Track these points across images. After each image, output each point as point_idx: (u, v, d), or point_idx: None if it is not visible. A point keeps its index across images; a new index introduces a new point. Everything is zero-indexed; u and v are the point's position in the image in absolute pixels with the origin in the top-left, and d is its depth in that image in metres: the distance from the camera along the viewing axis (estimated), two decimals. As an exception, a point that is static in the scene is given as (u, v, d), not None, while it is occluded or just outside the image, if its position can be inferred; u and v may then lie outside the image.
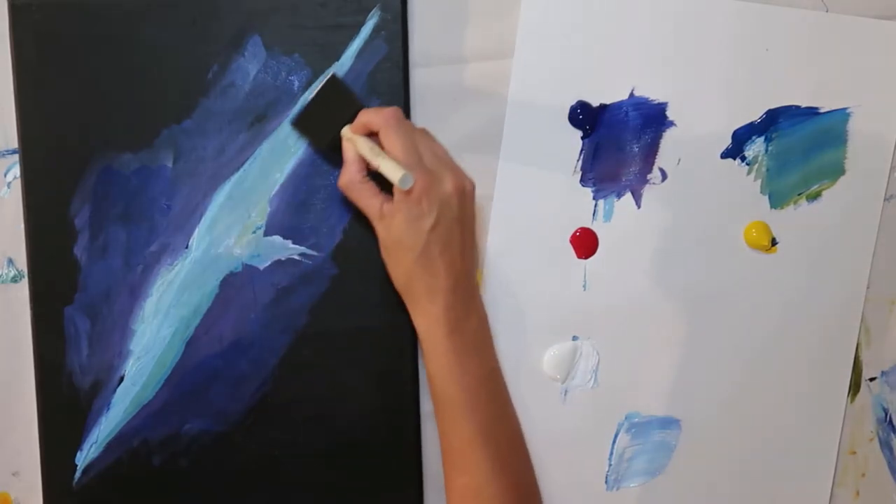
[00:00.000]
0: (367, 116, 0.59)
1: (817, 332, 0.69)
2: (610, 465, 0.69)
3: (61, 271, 0.66)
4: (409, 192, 0.55)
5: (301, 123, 0.64)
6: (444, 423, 0.58)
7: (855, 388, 0.70)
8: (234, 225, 0.66)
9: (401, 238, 0.56)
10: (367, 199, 0.58)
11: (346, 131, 0.61)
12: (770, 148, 0.67)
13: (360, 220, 0.66)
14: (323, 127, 0.62)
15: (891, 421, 0.71)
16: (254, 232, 0.66)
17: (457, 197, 0.57)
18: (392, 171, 0.56)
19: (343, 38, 0.65)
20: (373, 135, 0.59)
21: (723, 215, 0.68)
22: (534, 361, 0.68)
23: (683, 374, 0.69)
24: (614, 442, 0.69)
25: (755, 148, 0.67)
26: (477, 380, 0.58)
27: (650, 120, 0.67)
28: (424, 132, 0.60)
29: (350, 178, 0.58)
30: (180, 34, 0.65)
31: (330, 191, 0.66)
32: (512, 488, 0.57)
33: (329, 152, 0.63)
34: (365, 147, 0.58)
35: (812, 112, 0.67)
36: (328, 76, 0.63)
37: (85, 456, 0.67)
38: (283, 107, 0.66)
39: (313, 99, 0.63)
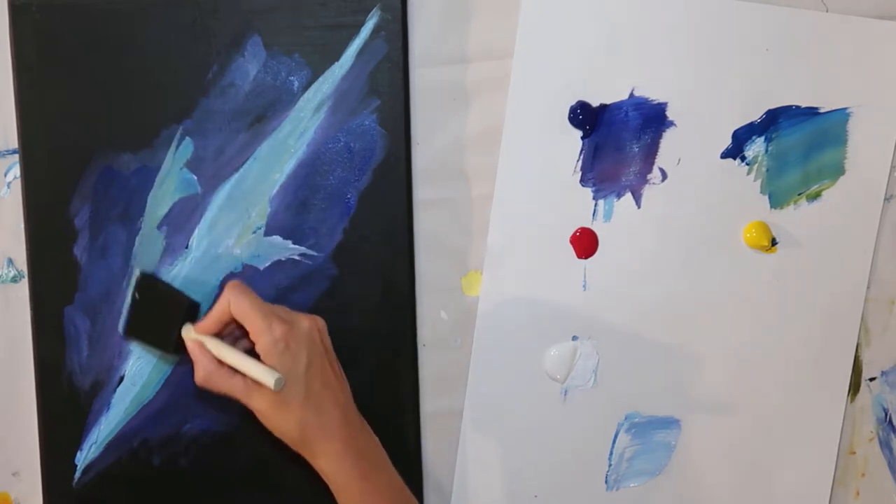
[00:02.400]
0: (217, 310, 0.58)
1: (817, 332, 0.69)
2: (610, 465, 0.69)
3: (61, 271, 0.66)
4: (275, 345, 0.56)
5: (133, 331, 0.62)
6: None
7: (855, 388, 0.70)
8: (234, 225, 0.66)
9: (281, 393, 0.56)
10: (228, 381, 0.57)
11: (190, 333, 0.59)
12: (770, 148, 0.67)
13: (360, 221, 0.66)
14: (160, 331, 0.60)
15: (891, 421, 0.71)
16: (254, 232, 0.66)
17: (316, 332, 0.58)
18: (262, 375, 0.55)
19: (343, 38, 0.65)
20: (226, 327, 0.59)
21: (723, 215, 0.68)
22: (534, 361, 0.68)
23: (683, 374, 0.69)
24: (614, 442, 0.69)
25: (755, 148, 0.67)
26: (390, 499, 0.59)
27: (650, 120, 0.67)
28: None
29: (207, 371, 0.57)
30: (180, 34, 0.65)
31: (330, 191, 0.66)
32: None
33: (173, 354, 0.61)
34: (223, 352, 0.58)
35: (812, 112, 0.67)
36: (137, 275, 0.61)
37: (85, 456, 0.67)
38: (283, 107, 0.66)
39: (135, 302, 0.61)
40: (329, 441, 0.57)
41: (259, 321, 0.56)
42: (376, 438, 0.60)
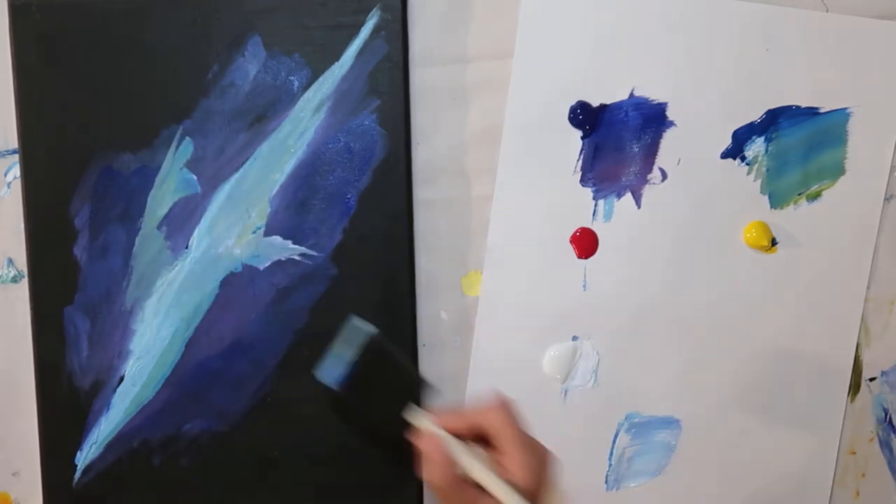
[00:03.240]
0: (476, 419, 0.51)
1: (817, 332, 0.69)
2: (610, 465, 0.69)
3: (61, 271, 0.66)
4: (539, 483, 0.49)
5: (347, 405, 0.53)
6: None
7: (855, 388, 0.70)
8: (234, 225, 0.66)
9: None
10: (474, 498, 0.49)
11: (424, 422, 0.51)
12: (770, 148, 0.67)
13: (360, 221, 0.66)
14: (380, 407, 0.52)
15: (891, 421, 0.71)
16: (254, 232, 0.66)
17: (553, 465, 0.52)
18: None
19: (343, 38, 0.65)
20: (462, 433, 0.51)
21: (723, 215, 0.68)
22: (534, 361, 0.68)
23: (683, 374, 0.69)
24: (614, 442, 0.69)
25: (755, 148, 0.67)
26: None
27: (650, 120, 0.67)
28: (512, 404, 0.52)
29: (444, 479, 0.49)
30: (180, 34, 0.65)
31: (330, 191, 0.66)
32: None
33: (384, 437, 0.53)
34: (469, 462, 0.50)
35: (812, 112, 0.67)
36: (368, 336, 0.52)
37: (85, 456, 0.67)
38: (283, 107, 0.66)
39: (359, 369, 0.52)
40: None
41: (521, 455, 0.49)
42: None
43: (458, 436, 0.52)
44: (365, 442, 0.59)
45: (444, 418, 0.52)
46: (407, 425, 0.52)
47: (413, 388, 0.53)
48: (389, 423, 0.52)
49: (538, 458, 0.51)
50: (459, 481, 0.50)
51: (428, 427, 0.52)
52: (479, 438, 0.52)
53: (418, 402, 0.53)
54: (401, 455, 0.52)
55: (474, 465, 0.50)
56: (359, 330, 0.54)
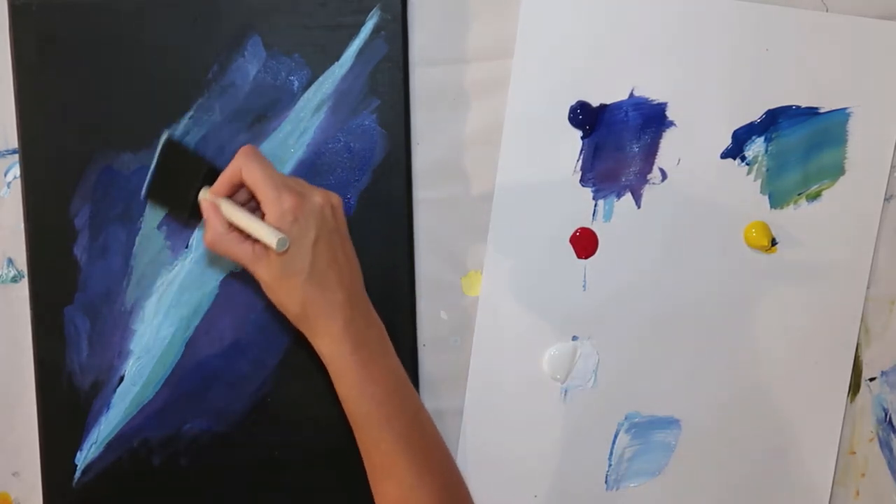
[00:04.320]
0: (228, 172, 0.57)
1: (817, 332, 0.69)
2: (610, 465, 0.69)
3: (61, 271, 0.66)
4: (283, 216, 0.54)
5: (154, 195, 0.61)
6: (364, 438, 0.57)
7: (855, 388, 0.70)
8: (234, 225, 0.66)
9: (286, 265, 0.55)
10: (237, 247, 0.56)
11: (206, 194, 0.58)
12: (770, 148, 0.67)
13: (360, 221, 0.66)
14: (178, 194, 0.59)
15: (891, 421, 0.71)
16: (254, 232, 0.66)
17: (329, 208, 0.56)
18: (266, 235, 0.54)
19: (343, 38, 0.65)
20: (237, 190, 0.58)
21: (723, 215, 0.68)
22: (534, 361, 0.68)
23: (683, 374, 0.69)
24: (614, 442, 0.69)
25: (755, 148, 0.67)
26: (388, 390, 0.57)
27: (650, 120, 0.67)
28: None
29: (215, 233, 0.56)
30: (180, 34, 0.65)
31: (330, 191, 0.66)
32: (441, 489, 0.57)
33: (189, 218, 0.60)
34: (232, 212, 0.56)
35: (812, 112, 0.67)
36: (164, 140, 0.60)
37: (85, 456, 0.67)
38: (283, 107, 0.66)
39: (158, 167, 0.59)
40: (330, 320, 0.55)
41: (269, 191, 0.54)
42: (382, 328, 0.59)
43: (236, 199, 0.57)
44: (175, 220, 0.65)
45: (215, 185, 0.57)
46: (195, 202, 0.58)
47: (201, 173, 0.59)
48: (185, 207, 0.59)
49: (284, 190, 0.54)
50: (227, 234, 0.56)
51: (202, 196, 0.58)
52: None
53: (204, 181, 0.58)
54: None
55: (233, 212, 0.56)
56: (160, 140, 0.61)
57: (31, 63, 0.66)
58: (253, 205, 0.58)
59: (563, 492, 0.69)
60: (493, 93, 0.66)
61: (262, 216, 0.55)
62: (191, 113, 0.66)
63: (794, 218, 0.68)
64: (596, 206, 0.67)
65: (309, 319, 0.56)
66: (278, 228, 0.54)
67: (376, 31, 0.65)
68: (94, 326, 0.66)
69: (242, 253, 0.56)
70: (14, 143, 0.67)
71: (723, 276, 0.68)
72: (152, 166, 0.60)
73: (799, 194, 0.68)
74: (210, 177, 0.59)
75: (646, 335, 0.68)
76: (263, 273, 0.55)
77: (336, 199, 0.57)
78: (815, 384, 0.69)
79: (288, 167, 0.66)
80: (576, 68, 0.66)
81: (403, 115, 0.66)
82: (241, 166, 0.56)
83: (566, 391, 0.68)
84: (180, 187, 0.59)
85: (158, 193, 0.60)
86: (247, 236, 0.56)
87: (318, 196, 0.56)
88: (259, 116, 0.66)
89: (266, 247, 0.54)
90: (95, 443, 0.67)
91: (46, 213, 0.66)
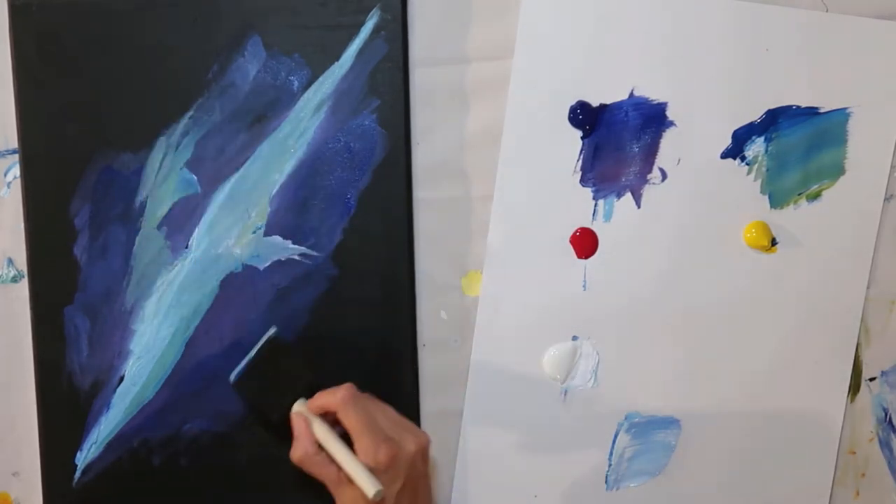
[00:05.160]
0: (324, 399, 0.60)
1: (817, 332, 0.69)
2: (610, 465, 0.69)
3: (61, 271, 0.66)
4: (377, 466, 0.56)
5: (245, 387, 0.62)
6: None
7: (855, 388, 0.70)
8: (234, 225, 0.66)
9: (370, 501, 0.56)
10: (324, 469, 0.58)
11: (301, 408, 0.60)
12: (770, 148, 0.67)
13: (360, 221, 0.66)
14: (273, 397, 0.61)
15: (891, 421, 0.71)
16: (254, 232, 0.66)
17: (420, 456, 0.59)
18: (364, 482, 0.56)
19: (343, 38, 0.65)
20: (327, 413, 0.60)
21: (723, 215, 0.68)
22: (534, 361, 0.68)
23: (683, 375, 0.69)
24: (614, 442, 0.69)
25: (755, 148, 0.67)
26: None
27: (650, 120, 0.67)
28: (372, 399, 0.61)
29: (305, 453, 0.59)
30: (180, 34, 0.65)
31: (330, 191, 0.66)
32: None
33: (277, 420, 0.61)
34: (328, 440, 0.58)
35: (812, 112, 0.67)
36: (270, 334, 0.62)
37: (85, 456, 0.67)
38: (283, 107, 0.66)
39: (257, 359, 0.62)
40: None
41: (366, 441, 0.57)
42: None
43: (328, 417, 0.60)
44: (260, 423, 0.65)
45: (311, 403, 0.60)
46: (287, 411, 0.61)
47: (303, 388, 0.61)
48: (273, 407, 0.61)
49: (381, 442, 0.57)
50: (316, 455, 0.58)
51: (297, 409, 0.60)
52: None
53: (301, 394, 0.61)
54: (285, 437, 0.60)
55: (327, 438, 0.58)
56: (266, 333, 0.63)
57: (31, 63, 0.66)
58: (333, 418, 0.60)
59: (563, 492, 0.69)
60: (493, 93, 0.66)
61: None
62: (191, 113, 0.66)
63: (794, 218, 0.68)
64: (596, 206, 0.67)
65: None
66: (371, 472, 0.56)
67: (376, 31, 0.65)
68: (94, 326, 0.66)
69: (327, 474, 0.58)
70: (14, 143, 0.67)
71: (723, 276, 0.68)
72: (250, 355, 0.62)
73: (799, 194, 0.68)
74: (309, 390, 0.61)
75: (646, 335, 0.68)
76: (345, 500, 0.58)
77: (426, 441, 0.60)
78: (815, 384, 0.69)
79: (288, 167, 0.66)
80: (576, 68, 0.66)
81: (403, 115, 0.66)
82: (340, 407, 0.58)
83: (566, 391, 0.68)
84: (276, 391, 0.61)
85: (250, 387, 0.62)
86: (331, 460, 0.58)
87: (411, 444, 0.58)
88: (259, 116, 0.66)
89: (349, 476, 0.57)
90: (95, 443, 0.67)
91: (46, 213, 0.66)
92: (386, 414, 0.60)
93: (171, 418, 0.67)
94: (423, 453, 0.59)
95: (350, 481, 0.57)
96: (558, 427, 0.68)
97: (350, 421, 0.58)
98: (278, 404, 0.61)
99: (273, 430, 0.64)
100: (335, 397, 0.59)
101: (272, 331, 0.63)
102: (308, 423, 0.59)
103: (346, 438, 0.58)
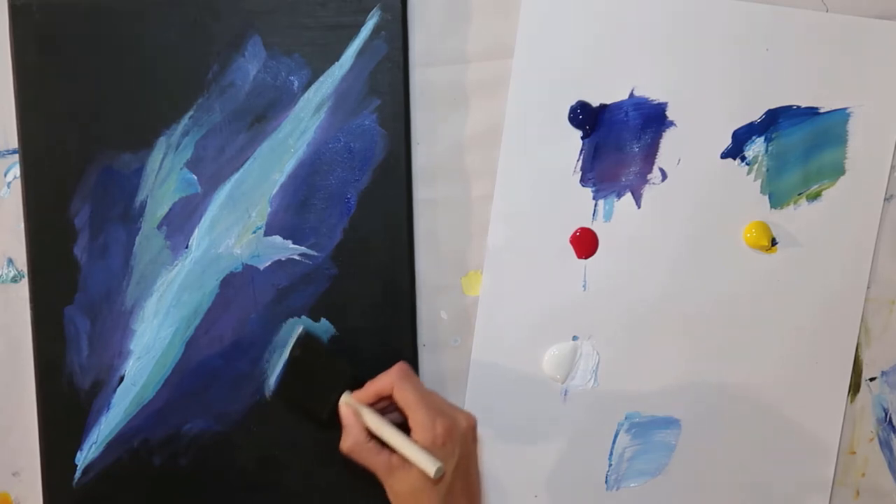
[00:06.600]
0: (377, 382, 0.59)
1: (817, 332, 0.69)
2: (610, 465, 0.69)
3: (61, 271, 0.66)
4: (435, 440, 0.56)
5: (287, 393, 0.62)
6: None
7: (855, 388, 0.70)
8: (234, 225, 0.66)
9: (424, 482, 0.56)
10: (375, 457, 0.57)
11: (348, 399, 0.59)
12: (770, 148, 0.67)
13: (360, 221, 0.66)
14: (318, 395, 0.60)
15: (891, 421, 0.71)
16: (254, 232, 0.66)
17: (471, 432, 0.58)
18: (424, 462, 0.55)
19: (343, 38, 0.65)
20: (377, 402, 0.60)
21: (723, 215, 0.68)
22: (534, 361, 0.68)
23: (683, 374, 0.69)
24: (614, 442, 0.69)
25: (755, 148, 0.67)
26: None
27: (650, 120, 0.67)
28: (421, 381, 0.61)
29: (355, 441, 0.58)
30: (180, 34, 0.65)
31: (330, 191, 0.66)
32: None
33: (327, 419, 0.60)
34: (380, 427, 0.58)
35: (812, 112, 0.67)
36: (299, 334, 0.62)
37: (85, 456, 0.67)
38: (283, 107, 0.66)
39: (293, 362, 0.61)
40: None
41: (423, 415, 0.56)
42: None
43: (376, 406, 0.59)
44: (309, 420, 0.64)
45: (359, 393, 0.59)
46: (335, 405, 0.60)
47: (346, 379, 0.60)
48: (321, 404, 0.60)
49: (437, 415, 0.56)
50: (368, 443, 0.57)
51: (344, 400, 0.59)
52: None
53: (346, 386, 0.60)
54: (334, 430, 0.60)
55: (379, 425, 0.58)
56: (294, 333, 0.64)
57: (31, 63, 0.66)
58: (386, 406, 0.60)
59: (563, 492, 0.69)
60: (493, 93, 0.66)
61: (402, 419, 0.58)
62: (191, 113, 0.66)
63: (794, 218, 0.68)
64: (596, 206, 0.67)
65: None
66: (429, 450, 0.55)
67: (376, 31, 0.65)
68: (94, 326, 0.66)
69: (379, 463, 0.57)
70: (14, 143, 0.67)
71: (723, 276, 0.68)
72: (285, 360, 0.62)
73: (799, 194, 0.68)
74: (351, 381, 0.60)
75: (646, 335, 0.68)
76: (399, 485, 0.57)
77: (474, 421, 0.59)
78: (815, 384, 0.69)
79: (288, 167, 0.66)
80: (576, 68, 0.66)
81: (403, 115, 0.66)
82: (393, 384, 0.58)
83: (566, 391, 0.68)
84: (320, 388, 0.60)
85: (292, 391, 0.62)
86: (383, 445, 0.57)
87: (463, 420, 0.58)
88: (259, 116, 0.66)
89: (402, 459, 0.56)
90: (95, 443, 0.67)
91: (46, 213, 0.66)
92: (433, 393, 0.59)
93: (171, 418, 0.67)
94: (474, 431, 0.59)
95: (403, 465, 0.56)
96: (558, 427, 0.68)
97: (406, 395, 0.57)
98: (326, 401, 0.60)
99: (325, 428, 0.62)
100: (389, 375, 0.58)
101: (300, 329, 0.62)
102: (357, 412, 0.58)
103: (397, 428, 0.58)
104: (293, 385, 0.62)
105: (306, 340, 0.62)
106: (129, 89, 0.66)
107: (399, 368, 0.59)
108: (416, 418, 0.56)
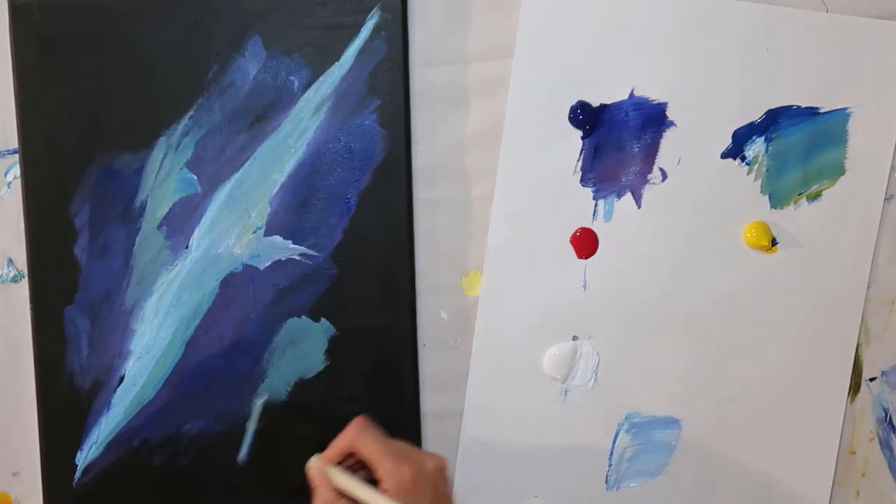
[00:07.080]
0: (338, 441, 0.59)
1: (817, 332, 0.69)
2: (610, 465, 0.69)
3: (61, 271, 0.66)
4: (402, 487, 0.56)
5: (257, 466, 0.63)
6: None
7: (855, 388, 0.70)
8: (234, 225, 0.66)
9: None
10: None
11: (315, 462, 0.59)
12: (770, 148, 0.67)
13: (360, 221, 0.66)
14: (284, 463, 0.61)
15: (891, 421, 0.71)
16: (254, 232, 0.66)
17: (440, 474, 0.58)
18: None
19: (343, 38, 0.65)
20: (343, 461, 0.60)
21: (723, 215, 0.68)
22: (534, 361, 0.68)
23: (683, 374, 0.69)
24: (614, 442, 0.69)
25: (755, 148, 0.67)
26: None
27: (650, 120, 0.67)
28: (382, 432, 0.60)
29: (325, 501, 0.58)
30: (180, 34, 0.65)
31: (330, 191, 0.66)
32: None
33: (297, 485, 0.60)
34: (349, 483, 0.58)
35: (812, 112, 0.67)
36: (260, 405, 0.63)
37: (85, 456, 0.67)
38: (283, 107, 0.66)
39: (259, 432, 0.63)
40: None
41: (388, 463, 0.56)
42: None
43: (345, 464, 0.59)
44: (280, 489, 0.63)
45: (326, 454, 0.59)
46: (303, 472, 0.59)
47: (304, 440, 0.60)
48: (290, 474, 0.60)
49: (402, 462, 0.57)
50: (337, 500, 0.57)
51: (311, 464, 0.59)
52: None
53: (312, 450, 0.59)
54: (307, 496, 0.59)
55: (348, 482, 0.58)
56: (256, 407, 0.65)
57: (31, 63, 0.66)
58: (353, 463, 0.60)
59: (563, 492, 0.69)
60: (493, 93, 0.66)
61: (369, 474, 0.58)
62: (191, 113, 0.66)
63: (794, 218, 0.68)
64: (596, 206, 0.67)
65: None
66: (399, 498, 0.56)
67: (376, 31, 0.65)
68: (94, 326, 0.66)
69: None
70: (14, 143, 0.67)
71: (723, 277, 0.68)
72: (251, 430, 0.64)
73: (799, 194, 0.68)
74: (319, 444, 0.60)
75: (646, 335, 0.68)
76: None
77: (443, 461, 0.59)
78: (815, 384, 0.69)
79: (288, 167, 0.66)
80: (576, 68, 0.66)
81: (403, 115, 0.66)
82: (355, 439, 0.58)
83: (566, 391, 0.68)
84: (287, 457, 0.61)
85: (262, 461, 0.64)
86: (355, 502, 0.58)
87: (430, 462, 0.58)
88: (259, 116, 0.66)
89: None
90: (95, 443, 0.67)
91: (46, 213, 0.66)
92: (399, 443, 0.60)
93: (171, 418, 0.67)
94: (443, 472, 0.59)
95: None
96: (558, 427, 0.68)
97: (369, 448, 0.58)
98: (295, 469, 0.59)
99: (298, 495, 0.61)
100: (349, 432, 0.59)
101: (262, 399, 0.64)
102: (323, 473, 0.59)
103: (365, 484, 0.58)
104: (260, 458, 0.64)
105: (269, 412, 0.64)
106: (129, 89, 0.66)
107: (357, 423, 0.59)
108: (381, 468, 0.57)
